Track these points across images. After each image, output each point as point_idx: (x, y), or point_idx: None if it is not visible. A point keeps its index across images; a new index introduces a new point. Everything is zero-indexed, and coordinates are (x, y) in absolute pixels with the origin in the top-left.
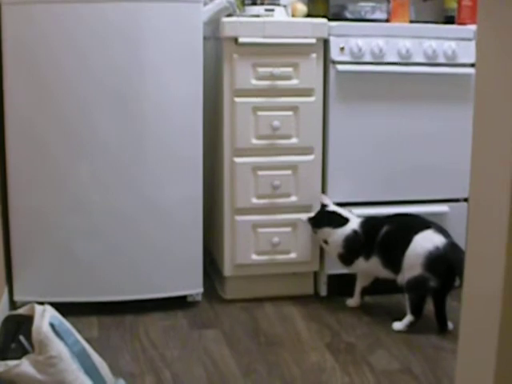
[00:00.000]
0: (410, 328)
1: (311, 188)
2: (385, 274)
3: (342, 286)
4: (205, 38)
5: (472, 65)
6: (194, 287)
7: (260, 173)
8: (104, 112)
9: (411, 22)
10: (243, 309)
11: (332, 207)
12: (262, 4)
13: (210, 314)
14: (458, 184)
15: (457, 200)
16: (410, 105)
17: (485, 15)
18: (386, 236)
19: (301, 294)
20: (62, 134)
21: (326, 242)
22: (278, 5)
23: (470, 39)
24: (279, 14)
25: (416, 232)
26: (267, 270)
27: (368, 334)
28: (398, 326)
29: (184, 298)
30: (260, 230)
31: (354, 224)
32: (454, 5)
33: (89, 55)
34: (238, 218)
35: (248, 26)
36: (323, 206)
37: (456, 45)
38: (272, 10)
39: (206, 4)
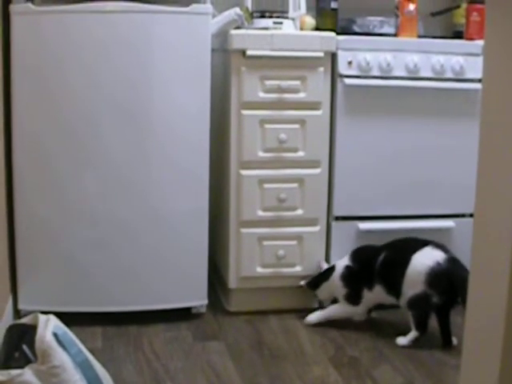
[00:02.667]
0: (414, 343)
1: (317, 201)
2: (389, 301)
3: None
4: (213, 50)
5: (480, 80)
6: (198, 299)
7: (266, 186)
8: (110, 123)
9: (419, 36)
10: (247, 321)
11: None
12: (271, 17)
13: (214, 326)
14: (464, 199)
15: (463, 215)
16: (417, 119)
17: (492, 31)
18: (384, 262)
19: (305, 308)
20: (68, 145)
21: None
22: (287, 18)
23: (477, 54)
24: (287, 27)
25: (414, 251)
26: (272, 283)
27: (372, 349)
28: (402, 341)
29: (188, 309)
30: (265, 242)
31: (343, 262)
32: (463, 20)
33: (96, 66)
34: (244, 230)
35: (256, 38)
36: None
37: (464, 60)
38: (280, 23)
39: (214, 16)
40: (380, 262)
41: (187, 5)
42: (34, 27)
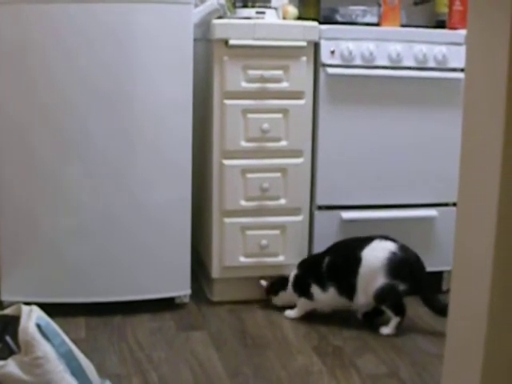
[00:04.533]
0: (399, 331)
1: (300, 191)
2: (342, 303)
3: None
4: (195, 40)
5: (462, 69)
6: (181, 289)
7: (249, 175)
8: (93, 113)
9: (402, 26)
10: (231, 311)
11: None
12: (253, 6)
13: (198, 315)
14: (447, 188)
15: (446, 204)
16: (399, 109)
17: (474, 20)
18: (331, 264)
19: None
20: (51, 135)
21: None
22: (269, 7)
23: (460, 44)
24: (270, 17)
25: (361, 248)
26: (255, 273)
27: (356, 338)
28: (385, 330)
29: (172, 299)
30: (248, 232)
31: (293, 272)
32: (445, 9)
33: (78, 56)
34: (227, 220)
35: (238, 28)
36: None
37: (446, 49)
38: (263, 13)
39: (196, 6)
40: (326, 265)
41: None
42: (16, 17)
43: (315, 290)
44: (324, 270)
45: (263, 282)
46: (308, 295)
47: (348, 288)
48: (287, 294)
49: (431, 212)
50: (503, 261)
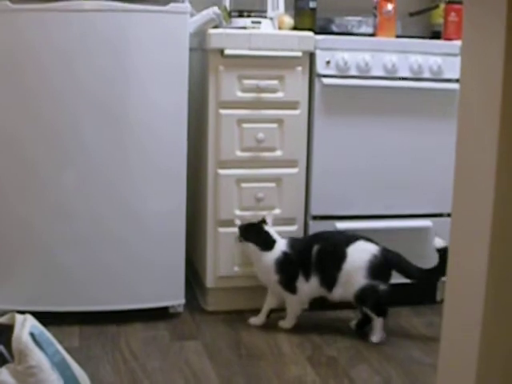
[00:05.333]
0: (387, 335)
1: (295, 201)
2: (320, 293)
3: (323, 299)
4: (191, 50)
5: (457, 80)
6: (175, 298)
7: (244, 185)
8: (88, 121)
9: (397, 36)
10: (225, 321)
11: (268, 227)
12: (249, 16)
13: (192, 325)
14: (441, 199)
15: (440, 215)
16: (394, 119)
17: (470, 31)
18: (320, 254)
19: (282, 307)
20: (45, 143)
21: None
22: (265, 17)
23: (455, 55)
24: (266, 27)
25: (347, 245)
26: (250, 283)
27: (349, 348)
28: (373, 338)
29: (166, 309)
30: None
31: (281, 245)
32: (441, 20)
33: (74, 64)
34: (221, 229)
35: (234, 38)
36: (262, 221)
37: (442, 60)
38: (259, 23)
39: (192, 15)
40: (316, 254)
41: (165, 4)
42: (12, 25)
43: (300, 281)
44: (313, 259)
45: (238, 222)
46: (292, 289)
47: (329, 280)
48: (259, 255)
49: (426, 222)
50: (497, 271)
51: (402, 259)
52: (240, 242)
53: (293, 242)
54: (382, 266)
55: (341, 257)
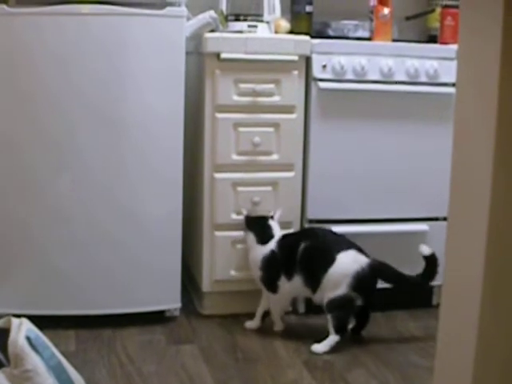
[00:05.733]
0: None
1: (291, 205)
2: (304, 293)
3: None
4: (187, 53)
5: (454, 84)
6: (172, 302)
7: (240, 189)
8: (84, 124)
9: (394, 40)
10: (221, 325)
11: (273, 223)
12: (245, 20)
13: (188, 329)
14: (437, 202)
15: (436, 219)
16: (391, 123)
17: (466, 35)
18: (306, 252)
19: None
20: (42, 146)
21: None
22: (261, 21)
23: (451, 59)
24: (262, 31)
25: (338, 250)
26: (246, 287)
27: (346, 352)
28: (318, 348)
29: (162, 312)
30: (239, 246)
31: (272, 243)
32: (437, 24)
33: (71, 68)
34: (218, 233)
35: (230, 41)
36: (269, 216)
37: (438, 64)
38: (255, 27)
39: (188, 19)
40: (301, 252)
41: (162, 8)
42: (9, 28)
43: (282, 280)
44: (298, 256)
45: (244, 211)
46: (273, 288)
47: (313, 281)
48: (253, 247)
49: (422, 226)
50: (493, 275)
51: (391, 271)
52: (244, 235)
53: (282, 241)
54: (366, 280)
55: (329, 260)
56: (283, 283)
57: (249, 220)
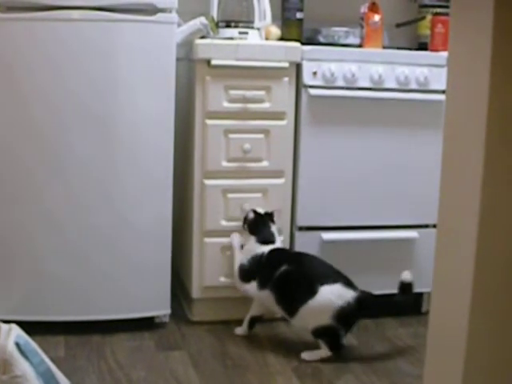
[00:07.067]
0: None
1: (281, 212)
2: (278, 311)
3: None
4: (178, 60)
5: (444, 91)
6: (161, 308)
7: (230, 195)
8: (78, 128)
9: (384, 47)
10: (210, 331)
11: (274, 228)
12: (236, 27)
13: (177, 335)
14: (427, 210)
15: (426, 226)
16: (381, 130)
17: (456, 42)
18: (284, 275)
19: (268, 318)
20: (35, 150)
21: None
22: (252, 28)
23: (442, 66)
24: (253, 37)
25: (322, 283)
26: (235, 293)
27: (335, 359)
28: (308, 356)
29: (151, 319)
30: (229, 252)
31: (266, 249)
32: (427, 31)
33: (64, 73)
34: (207, 240)
35: (221, 48)
36: (270, 215)
37: (428, 71)
38: (246, 33)
39: (179, 25)
40: (280, 272)
41: (153, 14)
42: (1, 34)
43: (254, 283)
44: (275, 276)
45: (246, 207)
46: (244, 278)
47: (289, 306)
48: (250, 240)
49: (412, 233)
50: (483, 282)
51: (378, 302)
52: (243, 229)
53: (271, 253)
54: (352, 313)
55: (310, 292)
56: (253, 286)
57: (253, 219)
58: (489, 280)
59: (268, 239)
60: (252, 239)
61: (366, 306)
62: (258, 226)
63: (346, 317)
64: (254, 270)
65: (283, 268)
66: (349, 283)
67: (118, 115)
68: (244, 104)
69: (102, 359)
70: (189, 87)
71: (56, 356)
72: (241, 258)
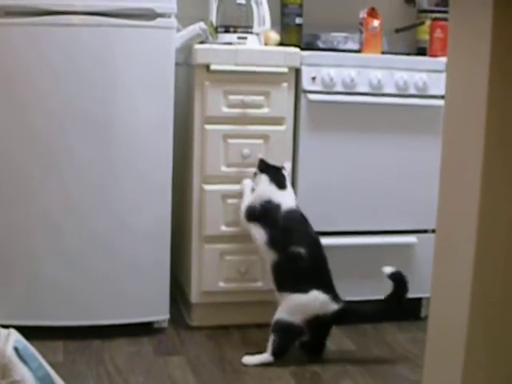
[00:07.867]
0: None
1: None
2: (268, 272)
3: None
4: (177, 65)
5: (442, 97)
6: (160, 314)
7: (229, 200)
8: (77, 133)
9: (383, 53)
10: (209, 336)
11: (285, 172)
12: (235, 32)
13: (176, 340)
14: (426, 215)
15: (425, 231)
16: (380, 135)
17: (455, 48)
18: (297, 256)
19: (267, 322)
20: (34, 154)
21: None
22: (251, 33)
23: (441, 71)
24: (252, 42)
25: (316, 286)
26: (234, 298)
27: (334, 363)
28: (249, 360)
29: (150, 324)
30: (228, 257)
31: (282, 201)
32: (426, 37)
33: (63, 78)
34: (206, 245)
35: (220, 53)
36: (281, 167)
37: (427, 76)
38: (245, 38)
39: (178, 30)
40: (293, 253)
41: (152, 19)
42: (1, 38)
43: (260, 230)
44: (288, 251)
45: (259, 155)
46: (249, 216)
47: (281, 284)
48: (263, 181)
49: (411, 239)
50: (481, 288)
51: (360, 314)
52: (254, 179)
53: (288, 214)
54: (323, 325)
55: (300, 288)
56: (261, 235)
57: (264, 164)
58: (487, 285)
59: (280, 180)
60: (264, 179)
61: (346, 318)
62: (270, 165)
63: (318, 325)
64: (264, 216)
65: (299, 249)
66: (335, 296)
67: (117, 120)
68: (243, 109)
69: (101, 364)
70: (188, 92)
71: (55, 361)
72: (251, 200)
